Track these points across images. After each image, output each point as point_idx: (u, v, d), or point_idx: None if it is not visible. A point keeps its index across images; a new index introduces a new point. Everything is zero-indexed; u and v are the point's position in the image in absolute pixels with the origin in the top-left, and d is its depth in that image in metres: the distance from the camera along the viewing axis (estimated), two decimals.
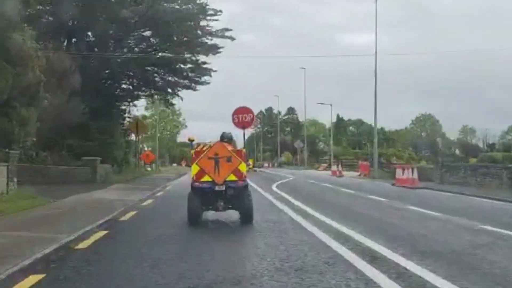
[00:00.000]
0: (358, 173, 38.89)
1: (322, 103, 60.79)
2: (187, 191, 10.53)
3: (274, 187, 22.47)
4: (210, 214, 11.00)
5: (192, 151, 10.13)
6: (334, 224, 10.11)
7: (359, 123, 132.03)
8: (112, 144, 30.93)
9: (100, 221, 10.70)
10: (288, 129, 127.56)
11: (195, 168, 9.86)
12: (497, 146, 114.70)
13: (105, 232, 9.23)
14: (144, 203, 15.39)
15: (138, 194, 18.49)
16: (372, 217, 11.75)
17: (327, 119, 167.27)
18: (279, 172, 47.20)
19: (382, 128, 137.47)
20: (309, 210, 12.72)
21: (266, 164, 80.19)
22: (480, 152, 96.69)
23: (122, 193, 19.09)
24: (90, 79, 28.15)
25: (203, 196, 9.79)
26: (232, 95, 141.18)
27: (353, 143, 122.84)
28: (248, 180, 10.61)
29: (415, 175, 23.61)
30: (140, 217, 11.95)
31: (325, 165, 58.80)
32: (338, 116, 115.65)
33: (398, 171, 25.63)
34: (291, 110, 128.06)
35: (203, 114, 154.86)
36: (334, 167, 40.60)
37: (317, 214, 11.73)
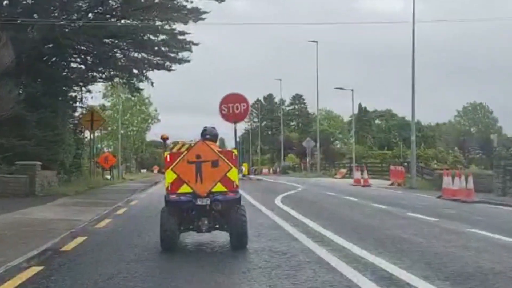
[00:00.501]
0: (390, 182, 38.20)
1: (340, 88, 59.88)
2: (160, 206, 10.55)
3: (278, 201, 21.71)
4: (189, 238, 10.94)
5: (166, 153, 10.18)
6: (368, 255, 9.34)
7: (388, 115, 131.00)
8: (58, 143, 30.17)
9: (33, 251, 10.05)
10: (294, 123, 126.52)
11: (170, 176, 9.93)
12: None
13: (38, 268, 8.54)
14: (99, 225, 14.70)
15: (91, 212, 17.78)
16: (420, 245, 10.94)
17: (345, 110, 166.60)
18: (283, 181, 46.42)
19: (418, 122, 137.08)
20: (329, 234, 11.97)
21: (265, 170, 79.58)
22: None
23: (69, 211, 18.38)
24: (27, 55, 27.32)
25: (181, 213, 9.95)
26: (220, 79, 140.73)
27: (380, 141, 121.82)
28: (241, 191, 10.62)
29: (470, 185, 22.86)
30: (90, 245, 11.20)
31: (345, 170, 58.06)
32: (360, 106, 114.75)
33: (446, 180, 24.90)
34: (297, 99, 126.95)
35: (181, 105, 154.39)
36: (357, 174, 39.89)
37: (341, 241, 10.97)
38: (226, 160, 9.89)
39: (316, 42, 66.87)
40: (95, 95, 39.49)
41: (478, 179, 29.67)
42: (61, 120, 31.45)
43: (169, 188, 9.93)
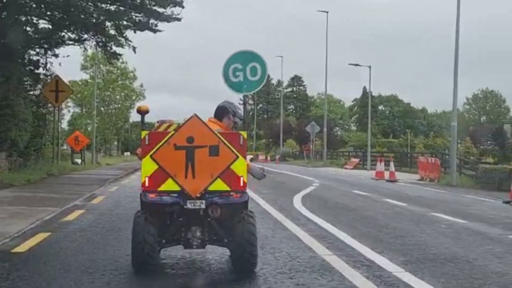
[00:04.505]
0: (418, 177, 32.80)
1: (356, 65, 53.49)
2: (132, 208, 9.32)
3: (298, 205, 16.23)
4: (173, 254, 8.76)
5: (144, 133, 7.88)
6: None
7: (393, 101, 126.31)
8: (8, 117, 24.50)
9: None
10: (292, 107, 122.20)
11: (148, 166, 7.78)
12: None
13: None
14: (22, 246, 9.41)
15: (26, 218, 12.39)
16: None
17: (346, 95, 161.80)
18: (289, 171, 40.60)
19: (424, 109, 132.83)
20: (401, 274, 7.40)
21: (261, 157, 73.86)
22: None
23: None
24: None
25: (163, 220, 7.93)
26: (210, 58, 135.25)
27: (383, 129, 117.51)
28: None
29: None
30: None
31: (357, 160, 52.27)
32: (364, 90, 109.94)
33: None
34: (296, 80, 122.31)
35: (167, 85, 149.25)
36: (379, 166, 34.21)
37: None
38: (230, 146, 7.70)
39: (327, 12, 60.80)
40: (68, 62, 32.77)
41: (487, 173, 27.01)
42: (14, 88, 25.63)
43: (147, 184, 7.75)
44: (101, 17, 26.47)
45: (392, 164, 33.42)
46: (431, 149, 75.86)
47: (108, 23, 27.66)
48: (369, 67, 53.09)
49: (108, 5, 26.27)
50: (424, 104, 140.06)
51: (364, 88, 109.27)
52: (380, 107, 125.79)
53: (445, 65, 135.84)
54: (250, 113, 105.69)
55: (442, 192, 24.17)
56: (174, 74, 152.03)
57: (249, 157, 8.92)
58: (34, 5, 25.92)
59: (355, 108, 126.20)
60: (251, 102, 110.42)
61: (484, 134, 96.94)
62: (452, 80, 30.50)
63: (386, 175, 32.34)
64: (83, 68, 75.39)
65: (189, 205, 7.72)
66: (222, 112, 8.35)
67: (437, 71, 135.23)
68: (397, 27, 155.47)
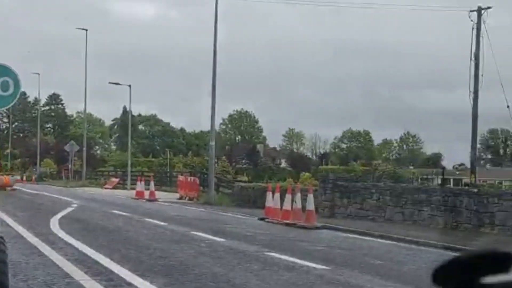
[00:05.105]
0: (178, 195, 33.05)
1: (116, 83, 52.62)
2: None
3: (56, 229, 15.33)
4: None
5: None
6: None
7: (152, 120, 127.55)
8: None
9: None
10: (50, 126, 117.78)
11: None
12: (330, 156, 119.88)
13: None
14: None
15: None
16: None
17: (105, 114, 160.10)
18: (46, 192, 38.62)
19: (182, 129, 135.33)
20: None
21: (17, 177, 70.02)
22: (312, 164, 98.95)
23: None
24: None
25: None
26: None
27: (143, 148, 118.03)
28: None
29: (311, 205, 18.29)
30: None
31: (117, 180, 51.58)
32: (124, 109, 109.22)
33: (271, 196, 20.31)
34: (54, 98, 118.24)
35: None
36: (140, 185, 33.90)
37: None
38: None
39: (86, 30, 59.24)
40: None
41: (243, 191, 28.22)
42: None
43: None
44: None
45: (152, 183, 33.24)
46: (190, 168, 77.40)
47: None
48: (129, 86, 52.56)
49: None
50: (183, 124, 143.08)
51: (124, 107, 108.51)
52: (140, 127, 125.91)
53: (203, 87, 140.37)
54: (5, 132, 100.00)
55: (201, 210, 24.57)
56: None
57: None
58: None
59: (115, 127, 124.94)
60: (5, 120, 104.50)
61: (239, 153, 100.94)
62: (210, 102, 31.37)
63: (147, 194, 32.07)
64: None
65: None
66: None
67: (196, 93, 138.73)
68: (158, 48, 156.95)
